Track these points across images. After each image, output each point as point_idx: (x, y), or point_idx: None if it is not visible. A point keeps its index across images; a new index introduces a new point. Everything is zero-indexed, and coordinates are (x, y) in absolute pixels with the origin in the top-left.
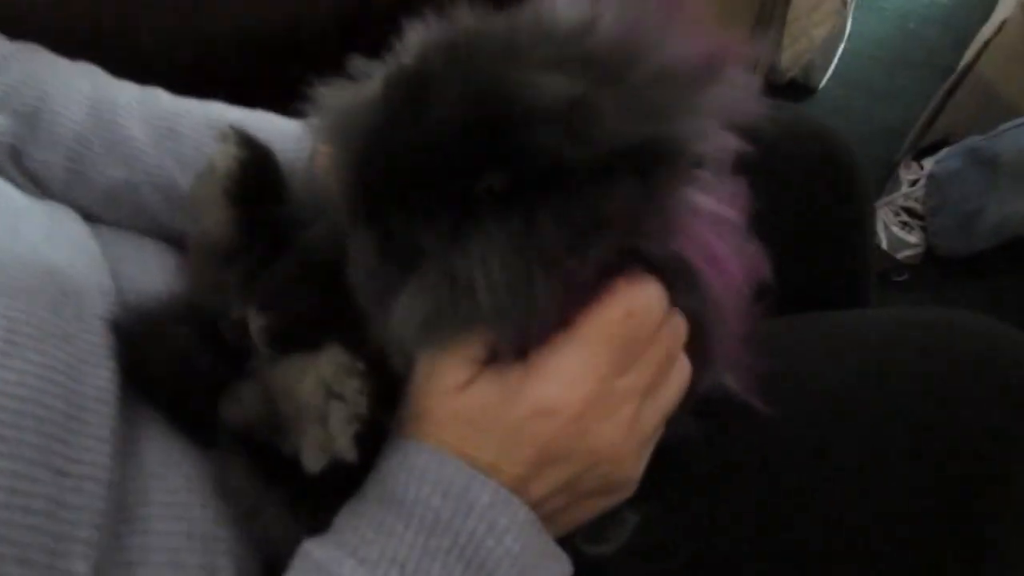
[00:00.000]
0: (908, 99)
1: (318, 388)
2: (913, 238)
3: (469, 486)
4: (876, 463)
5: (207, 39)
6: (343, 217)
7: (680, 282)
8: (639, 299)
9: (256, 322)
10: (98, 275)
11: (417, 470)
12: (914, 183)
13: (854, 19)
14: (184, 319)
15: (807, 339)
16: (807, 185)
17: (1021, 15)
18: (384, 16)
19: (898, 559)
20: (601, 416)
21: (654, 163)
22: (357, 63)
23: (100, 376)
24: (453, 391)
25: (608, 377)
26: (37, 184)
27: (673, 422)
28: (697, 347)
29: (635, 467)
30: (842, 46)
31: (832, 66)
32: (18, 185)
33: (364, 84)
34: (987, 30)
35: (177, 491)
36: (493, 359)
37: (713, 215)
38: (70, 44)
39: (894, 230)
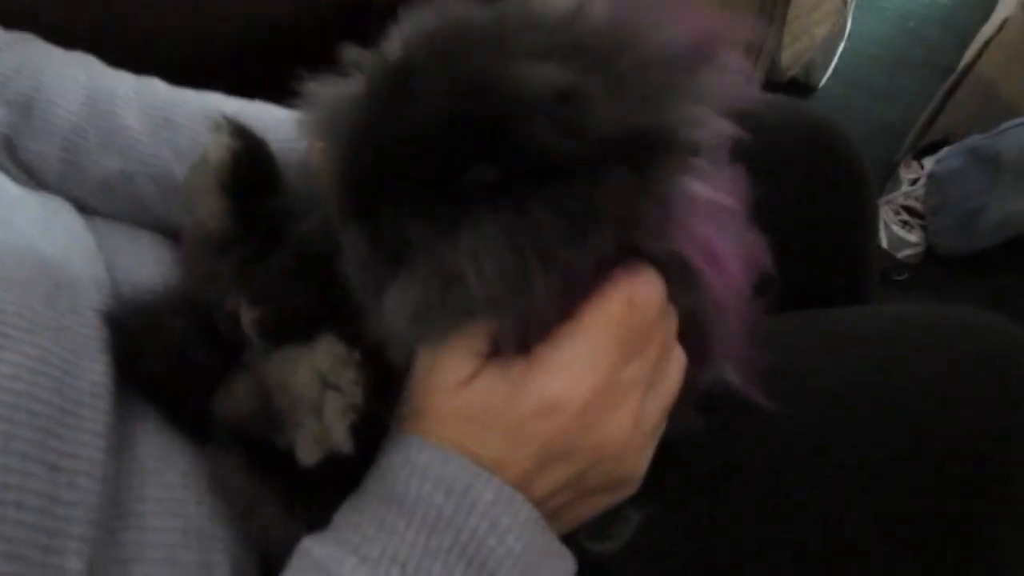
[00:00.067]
0: (908, 98)
1: (313, 379)
2: (913, 237)
3: (472, 484)
4: (876, 462)
5: (206, 34)
6: (334, 211)
7: (677, 278)
8: (640, 289)
9: (248, 315)
10: (93, 267)
11: (419, 467)
12: (914, 182)
13: (854, 18)
14: (179, 311)
15: (806, 336)
16: (807, 179)
17: (1022, 14)
18: (384, 10)
19: (898, 559)
20: (606, 409)
21: (647, 152)
22: (351, 52)
23: (95, 370)
24: (456, 387)
25: (613, 368)
26: (31, 175)
27: (675, 418)
28: (696, 343)
29: (639, 463)
30: (842, 45)
31: (832, 65)
32: (12, 176)
33: (352, 78)
34: (988, 29)
35: (173, 487)
36: (496, 354)
37: (711, 204)
38: (68, 38)
39: (894, 229)
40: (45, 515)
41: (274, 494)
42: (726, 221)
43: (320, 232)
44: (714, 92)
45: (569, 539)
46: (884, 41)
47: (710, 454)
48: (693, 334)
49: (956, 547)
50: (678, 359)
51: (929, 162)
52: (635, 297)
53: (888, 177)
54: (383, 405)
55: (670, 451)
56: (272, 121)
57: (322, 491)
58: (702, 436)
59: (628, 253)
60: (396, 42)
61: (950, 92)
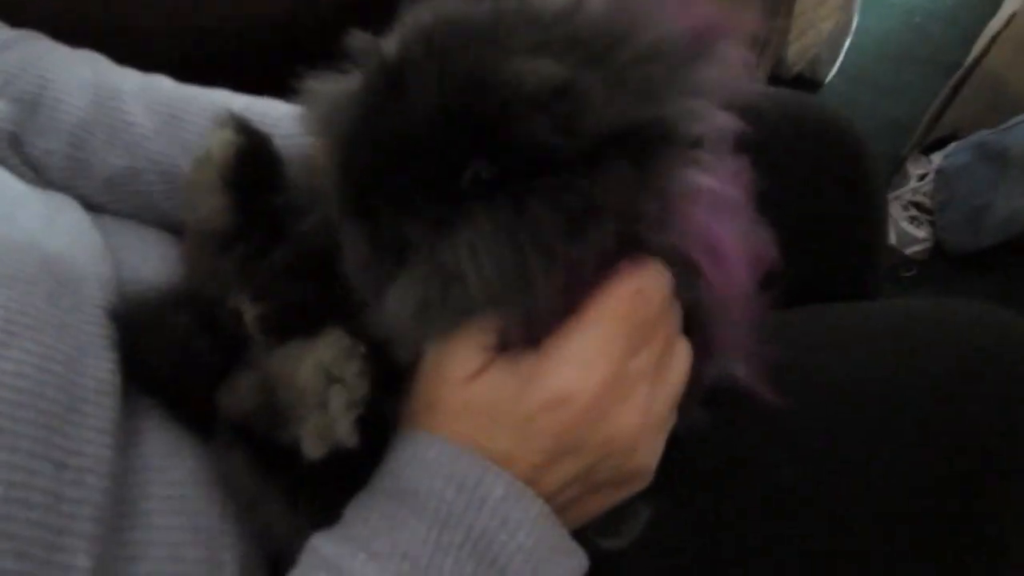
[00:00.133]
0: (914, 94)
1: (317, 373)
2: (921, 233)
3: (482, 478)
4: (882, 458)
5: (206, 33)
6: (333, 209)
7: (680, 271)
8: (645, 281)
9: (251, 311)
10: (98, 264)
11: (429, 463)
12: (922, 177)
13: (860, 14)
14: (182, 308)
15: (812, 331)
16: (814, 173)
17: None
18: (383, 8)
19: (902, 555)
20: (615, 401)
21: (646, 146)
22: (357, 38)
23: (100, 367)
24: (464, 381)
25: (620, 360)
26: (37, 172)
27: (681, 412)
28: (700, 336)
29: (649, 456)
30: (848, 41)
31: (838, 61)
32: (18, 173)
33: (350, 75)
34: (995, 24)
35: (179, 485)
36: (505, 348)
37: (714, 196)
38: (69, 35)
39: (903, 225)
40: (51, 513)
41: (278, 491)
42: (730, 213)
43: (322, 228)
44: (714, 85)
45: (579, 535)
46: (890, 37)
47: (715, 449)
48: (697, 327)
49: (961, 543)
50: (683, 352)
51: (937, 157)
52: (641, 289)
53: (895, 172)
54: (388, 399)
55: (677, 446)
56: (278, 117)
57: (326, 488)
58: (708, 431)
59: (631, 246)
60: (393, 39)
61: (957, 87)
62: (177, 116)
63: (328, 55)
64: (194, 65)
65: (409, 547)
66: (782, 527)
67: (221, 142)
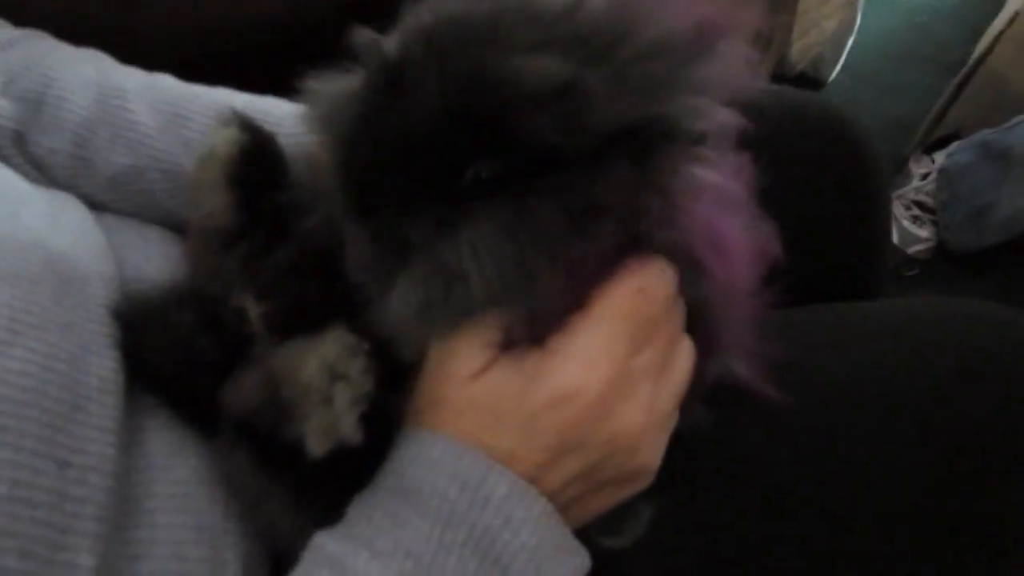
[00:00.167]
0: (917, 93)
1: (322, 370)
2: (924, 232)
3: (486, 477)
4: (882, 458)
5: (206, 33)
6: (337, 208)
7: (684, 268)
8: (649, 279)
9: (255, 309)
10: (101, 263)
11: (433, 461)
12: (925, 177)
13: (863, 12)
14: (185, 306)
15: (813, 331)
16: (817, 171)
17: None
18: (385, 5)
19: (903, 555)
20: (620, 398)
21: (648, 143)
22: (361, 35)
23: (103, 366)
24: (468, 378)
25: (624, 358)
26: (41, 170)
27: (684, 411)
28: (703, 334)
29: (652, 454)
30: (851, 39)
31: (841, 60)
32: (22, 172)
33: (352, 74)
34: (999, 23)
35: (182, 483)
36: (509, 345)
37: (718, 192)
38: (69, 35)
39: (905, 224)
40: (55, 511)
41: (281, 488)
42: (733, 209)
43: (326, 227)
44: (717, 82)
45: (581, 534)
46: (893, 36)
47: (716, 449)
48: (700, 325)
49: (961, 543)
50: (686, 350)
51: (940, 156)
52: (645, 287)
53: (898, 172)
54: (392, 397)
55: (679, 445)
56: (280, 116)
57: (329, 486)
58: (709, 431)
59: (635, 243)
60: (395, 38)
61: (960, 86)
62: (180, 115)
63: (328, 55)
64: (194, 64)
65: (412, 545)
66: (782, 527)
67: (225, 140)
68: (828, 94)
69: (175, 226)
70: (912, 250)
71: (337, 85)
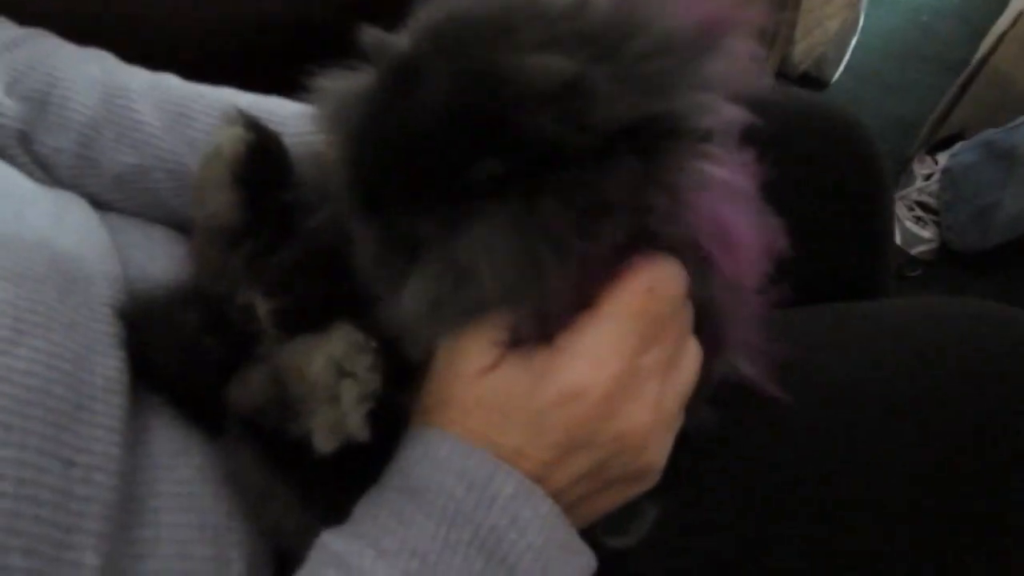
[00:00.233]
0: (920, 93)
1: (329, 366)
2: (927, 233)
3: (493, 477)
4: (884, 458)
5: (207, 32)
6: (344, 206)
7: (692, 266)
8: (659, 275)
9: (264, 306)
10: (106, 262)
11: (440, 460)
12: (928, 177)
13: (867, 12)
14: (190, 305)
15: (814, 331)
16: (821, 171)
17: None
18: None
19: (903, 555)
20: (627, 397)
21: (656, 140)
22: (369, 33)
23: (108, 365)
24: (477, 376)
25: (633, 355)
26: (46, 170)
27: (690, 411)
28: (710, 333)
29: (658, 453)
30: (855, 39)
31: (845, 60)
32: (27, 171)
33: (360, 72)
34: (1003, 22)
35: (187, 482)
36: (517, 343)
37: (726, 187)
38: (70, 33)
39: (908, 225)
40: (60, 510)
41: (287, 487)
42: (741, 204)
43: (332, 225)
44: (722, 78)
45: (587, 534)
46: (896, 35)
47: (719, 448)
48: (707, 324)
49: (962, 543)
50: (694, 350)
51: (943, 157)
52: (654, 285)
53: (901, 172)
54: (400, 393)
55: (685, 444)
56: (285, 115)
57: (335, 484)
58: (713, 430)
59: (643, 240)
60: (404, 35)
61: (964, 86)
62: (185, 114)
63: (328, 54)
64: (194, 63)
65: (418, 544)
66: (783, 527)
67: (231, 138)
68: (831, 94)
69: (180, 225)
70: (915, 251)
71: (345, 83)
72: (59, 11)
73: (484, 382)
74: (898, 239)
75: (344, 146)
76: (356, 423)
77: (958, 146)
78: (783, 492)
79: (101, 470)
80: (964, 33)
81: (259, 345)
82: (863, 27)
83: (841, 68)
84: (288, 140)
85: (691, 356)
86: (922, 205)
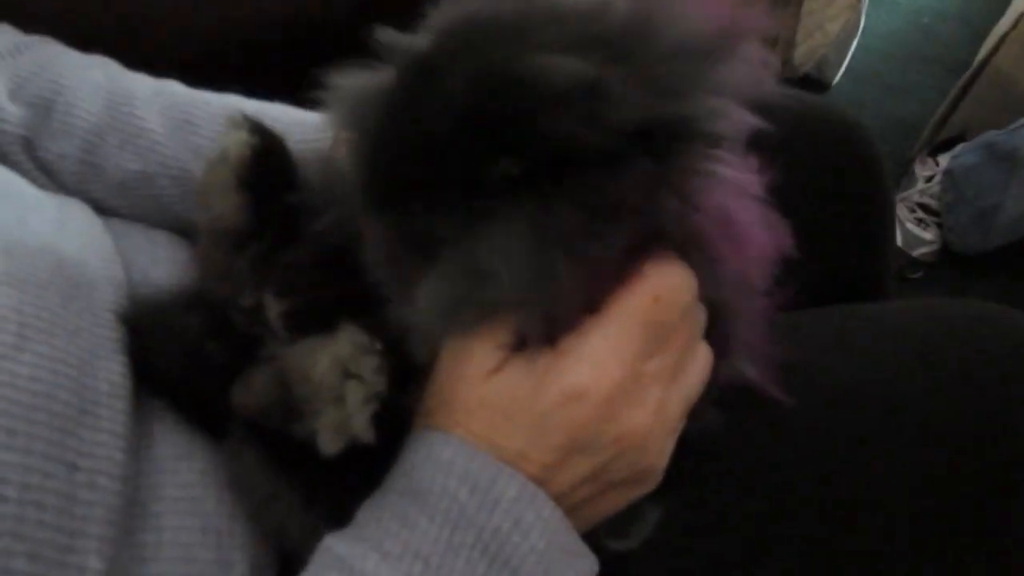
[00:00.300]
0: (922, 95)
1: (334, 368)
2: (928, 235)
3: (496, 479)
4: (885, 459)
5: (209, 36)
6: (359, 205)
7: (702, 269)
8: (667, 282)
9: (275, 308)
10: (109, 268)
11: (443, 463)
12: (930, 179)
13: (868, 14)
14: (193, 308)
15: (817, 333)
16: (823, 173)
17: None
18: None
19: (904, 555)
20: (630, 401)
21: (670, 143)
22: (384, 34)
23: (112, 370)
24: (481, 378)
25: (637, 360)
26: (50, 176)
27: (696, 413)
28: (718, 337)
29: (660, 456)
30: (856, 41)
31: (846, 61)
32: (30, 177)
33: (377, 70)
34: (1004, 24)
35: (190, 486)
36: (522, 346)
37: (736, 188)
38: (73, 34)
39: (909, 227)
40: (64, 515)
41: (291, 489)
42: (752, 205)
43: (337, 228)
44: (736, 83)
45: (589, 537)
46: (898, 37)
47: (721, 451)
48: (716, 327)
49: (963, 543)
50: (703, 356)
51: (945, 159)
52: (662, 290)
53: (903, 174)
54: (405, 395)
55: (689, 447)
56: (290, 121)
57: (339, 486)
58: (717, 433)
59: (653, 243)
60: (422, 35)
61: (966, 88)
62: (189, 121)
63: (328, 54)
64: (194, 64)
65: (421, 547)
66: (784, 527)
67: (237, 142)
68: (832, 96)
69: (183, 231)
70: (916, 253)
71: (361, 81)
72: (59, 12)
73: (488, 384)
74: (899, 241)
75: (360, 144)
76: (361, 424)
77: (959, 148)
78: (784, 492)
79: (105, 475)
80: (965, 35)
81: (262, 348)
82: (864, 29)
83: (842, 70)
84: (293, 146)
85: (700, 362)
86: (923, 207)
